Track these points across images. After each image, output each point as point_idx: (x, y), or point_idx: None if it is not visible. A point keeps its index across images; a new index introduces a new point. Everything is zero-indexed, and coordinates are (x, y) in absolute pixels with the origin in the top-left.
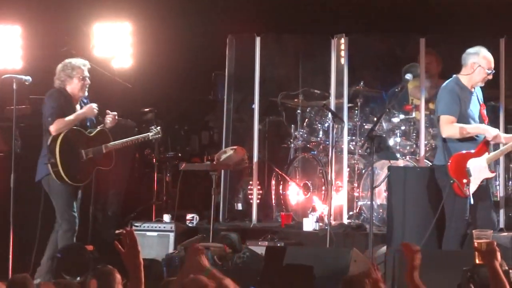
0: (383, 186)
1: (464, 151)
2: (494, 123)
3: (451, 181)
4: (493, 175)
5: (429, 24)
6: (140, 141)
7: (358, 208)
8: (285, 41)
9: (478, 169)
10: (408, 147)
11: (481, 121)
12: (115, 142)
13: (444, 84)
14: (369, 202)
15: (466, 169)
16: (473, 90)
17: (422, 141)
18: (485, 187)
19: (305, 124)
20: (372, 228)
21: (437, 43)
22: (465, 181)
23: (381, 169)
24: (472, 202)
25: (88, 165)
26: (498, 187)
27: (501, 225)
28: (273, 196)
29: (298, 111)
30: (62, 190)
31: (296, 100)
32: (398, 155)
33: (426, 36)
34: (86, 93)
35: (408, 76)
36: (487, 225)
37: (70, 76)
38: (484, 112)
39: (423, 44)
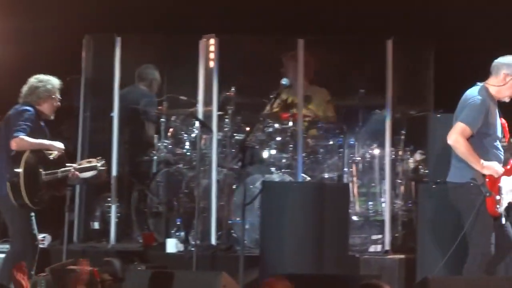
0: (256, 203)
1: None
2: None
3: (487, 194)
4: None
5: (308, 25)
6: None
7: (228, 228)
8: (149, 42)
9: (508, 188)
10: (284, 160)
11: (503, 134)
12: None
13: (474, 91)
14: (240, 221)
15: (499, 186)
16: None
17: (300, 153)
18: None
19: (170, 134)
20: (244, 250)
21: (317, 45)
22: (498, 198)
23: (254, 184)
24: (503, 222)
25: (45, 188)
26: (383, 204)
27: (387, 247)
28: (133, 214)
29: (162, 119)
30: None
31: (160, 107)
32: (272, 169)
33: (305, 38)
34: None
35: (285, 81)
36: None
37: (50, 95)
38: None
39: (302, 46)
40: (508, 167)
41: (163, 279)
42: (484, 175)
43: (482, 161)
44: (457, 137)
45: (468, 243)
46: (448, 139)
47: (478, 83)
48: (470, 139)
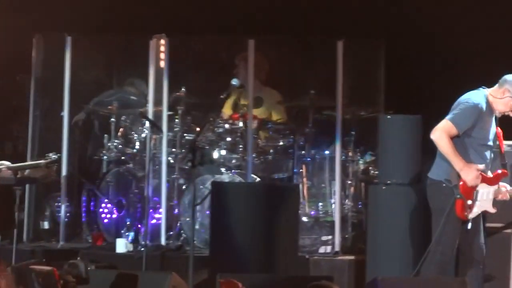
0: (206, 203)
1: (479, 172)
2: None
3: (458, 196)
4: (493, 211)
5: (259, 25)
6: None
7: (178, 228)
8: (99, 42)
9: (487, 197)
10: (234, 161)
11: (496, 140)
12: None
13: (473, 94)
14: (190, 221)
15: (475, 191)
16: None
17: (250, 154)
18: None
19: (120, 134)
20: (194, 250)
21: (268, 46)
22: (469, 203)
23: (204, 185)
24: (469, 227)
25: None
26: (333, 205)
27: (337, 248)
28: (83, 214)
29: (112, 119)
30: None
31: (110, 107)
32: (222, 169)
33: (255, 38)
34: None
35: (235, 81)
36: (478, 253)
37: None
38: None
39: (252, 46)
40: (492, 177)
41: (111, 278)
42: (459, 177)
43: (463, 163)
44: (441, 134)
45: (432, 241)
46: (432, 134)
47: (481, 88)
48: (455, 138)
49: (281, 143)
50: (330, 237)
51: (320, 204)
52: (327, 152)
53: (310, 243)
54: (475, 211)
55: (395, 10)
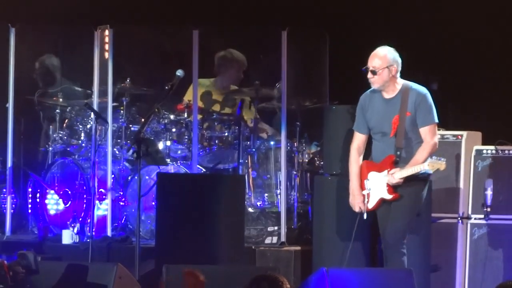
0: (152, 194)
1: (370, 160)
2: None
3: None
4: (390, 197)
5: (204, 15)
6: None
7: (123, 219)
8: (44, 32)
9: (376, 184)
10: (179, 152)
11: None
12: None
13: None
14: (136, 212)
15: (366, 180)
16: None
17: (195, 145)
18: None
19: (65, 125)
20: (139, 241)
21: (212, 36)
22: (364, 192)
23: (149, 176)
24: (365, 217)
25: None
26: (279, 196)
27: (283, 238)
28: (29, 206)
29: (57, 110)
30: None
31: (55, 98)
32: (168, 160)
33: (199, 29)
34: None
35: (179, 72)
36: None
37: None
38: None
39: (197, 37)
40: (380, 163)
41: (57, 269)
42: None
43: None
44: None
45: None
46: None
47: None
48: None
49: (226, 134)
50: (276, 227)
51: (266, 195)
52: (272, 142)
53: (256, 234)
54: (372, 200)
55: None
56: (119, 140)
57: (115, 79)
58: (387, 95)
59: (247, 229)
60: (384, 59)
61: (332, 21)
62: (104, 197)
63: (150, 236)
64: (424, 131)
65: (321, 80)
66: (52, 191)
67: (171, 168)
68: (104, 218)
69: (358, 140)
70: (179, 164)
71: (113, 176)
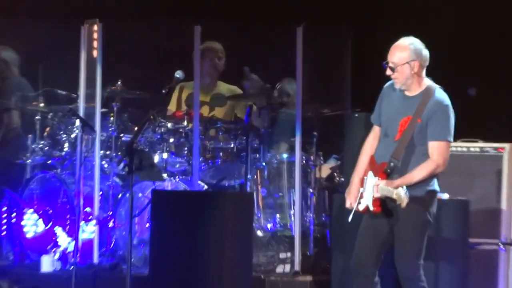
0: (146, 215)
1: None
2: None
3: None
4: (372, 209)
5: (207, 10)
6: None
7: (112, 244)
8: (23, 28)
9: (369, 188)
10: (178, 165)
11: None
12: None
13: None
14: (127, 235)
15: (365, 177)
16: None
17: (196, 158)
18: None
19: (46, 134)
20: (131, 269)
21: (217, 33)
22: (361, 190)
23: (143, 193)
24: (349, 219)
25: None
26: (292, 218)
27: (296, 267)
28: (3, 227)
29: (37, 117)
30: None
31: (34, 103)
32: (164, 175)
33: (202, 24)
34: None
35: (179, 74)
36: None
37: None
38: None
39: (199, 33)
40: (378, 166)
41: None
42: None
43: None
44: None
45: None
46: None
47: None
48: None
49: (232, 145)
50: (289, 254)
51: (278, 216)
52: (285, 155)
53: (266, 262)
54: (363, 202)
55: None
56: (108, 152)
57: (105, 81)
58: (409, 92)
59: (256, 256)
60: (405, 52)
61: (355, 18)
62: (90, 217)
63: (143, 263)
64: (432, 146)
65: (342, 84)
66: (31, 210)
67: (168, 185)
68: (90, 242)
69: (374, 132)
70: (177, 179)
71: (101, 193)
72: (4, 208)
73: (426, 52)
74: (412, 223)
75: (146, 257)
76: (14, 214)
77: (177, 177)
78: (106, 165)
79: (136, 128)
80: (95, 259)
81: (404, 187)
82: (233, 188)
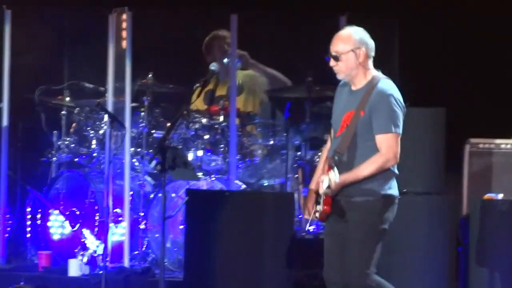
0: (180, 216)
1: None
2: None
3: None
4: (321, 208)
5: None
6: None
7: (144, 246)
8: (46, 17)
9: (323, 188)
10: (213, 164)
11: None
12: None
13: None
14: (160, 238)
15: (321, 179)
16: None
17: (233, 155)
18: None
19: (72, 130)
20: (164, 273)
21: (254, 22)
22: (320, 192)
23: (177, 193)
24: (307, 227)
25: None
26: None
27: None
28: (28, 229)
29: (63, 112)
30: None
31: (60, 97)
32: (199, 174)
33: (240, 13)
34: None
35: (214, 66)
36: None
37: None
38: None
39: (235, 22)
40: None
41: None
42: None
43: None
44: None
45: None
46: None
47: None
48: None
49: (271, 142)
50: None
51: None
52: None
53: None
54: (319, 208)
55: None
56: (139, 149)
57: (134, 73)
58: (354, 86)
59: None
60: (348, 40)
61: (404, 7)
62: (120, 219)
63: (177, 267)
64: (379, 140)
65: (389, 76)
66: (56, 211)
67: (203, 184)
68: (120, 244)
69: (330, 135)
70: (213, 178)
71: (131, 193)
72: (28, 209)
73: (371, 42)
74: (362, 230)
75: (180, 261)
76: (39, 216)
77: (212, 176)
78: (136, 163)
79: (168, 124)
80: (126, 262)
81: (336, 170)
82: (272, 188)
